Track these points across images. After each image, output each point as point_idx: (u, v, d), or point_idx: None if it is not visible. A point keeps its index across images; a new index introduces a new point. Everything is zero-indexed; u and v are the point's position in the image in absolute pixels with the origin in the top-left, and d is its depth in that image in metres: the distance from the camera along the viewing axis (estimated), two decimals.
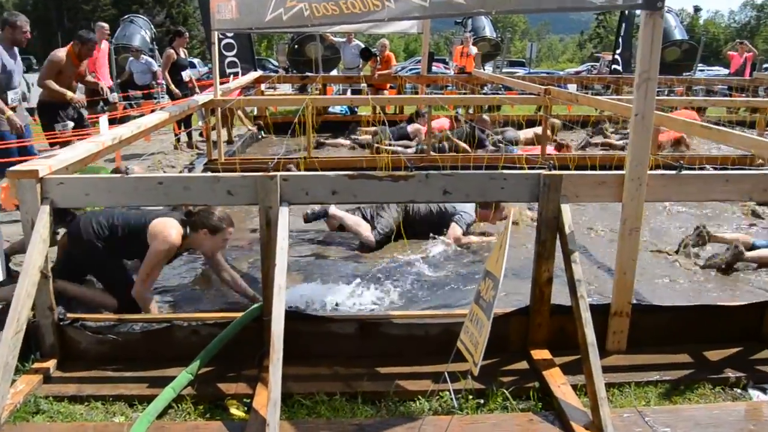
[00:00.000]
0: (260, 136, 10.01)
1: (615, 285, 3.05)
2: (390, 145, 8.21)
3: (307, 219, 4.96)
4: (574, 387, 2.69)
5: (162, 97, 9.95)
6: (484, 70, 15.41)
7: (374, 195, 3.01)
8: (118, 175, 2.89)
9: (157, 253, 3.42)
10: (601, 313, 3.01)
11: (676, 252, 4.61)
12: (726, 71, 19.18)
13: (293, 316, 2.93)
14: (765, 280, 4.14)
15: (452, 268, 4.33)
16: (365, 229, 4.80)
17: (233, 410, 2.60)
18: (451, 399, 2.62)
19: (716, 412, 2.57)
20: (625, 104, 5.30)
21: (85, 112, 6.84)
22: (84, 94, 7.36)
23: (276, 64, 24.69)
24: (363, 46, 12.60)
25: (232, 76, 10.15)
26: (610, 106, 5.95)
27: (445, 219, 4.95)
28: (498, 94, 10.47)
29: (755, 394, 2.79)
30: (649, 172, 2.91)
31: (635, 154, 2.87)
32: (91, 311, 3.32)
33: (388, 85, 11.57)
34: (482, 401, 2.67)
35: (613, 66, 14.23)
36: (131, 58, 11.03)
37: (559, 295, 3.06)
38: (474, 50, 13.66)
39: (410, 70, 21.35)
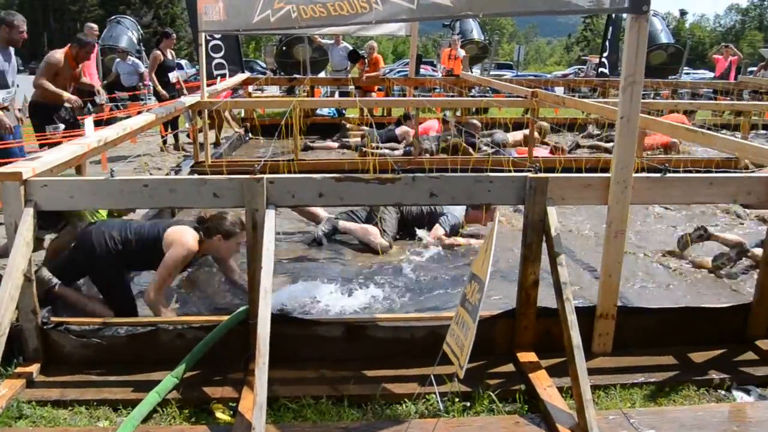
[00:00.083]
0: (247, 139, 9.98)
1: (600, 287, 3.06)
2: (377, 147, 8.20)
3: (320, 242, 4.84)
4: (560, 389, 2.70)
5: (149, 99, 9.87)
6: (471, 72, 15.46)
7: (361, 197, 3.02)
8: (103, 178, 2.85)
9: (175, 259, 3.39)
10: (586, 315, 3.03)
11: (679, 249, 4.65)
12: (711, 74, 19.35)
13: (279, 319, 2.93)
14: (748, 283, 4.17)
15: (439, 271, 4.33)
16: (375, 236, 4.76)
17: (219, 414, 2.59)
18: (437, 402, 2.61)
19: (701, 414, 2.59)
20: (611, 107, 5.32)
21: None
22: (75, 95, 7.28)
23: (264, 65, 24.61)
24: (351, 48, 12.59)
25: (219, 77, 10.10)
26: (597, 109, 5.98)
27: (434, 219, 4.99)
28: (485, 96, 10.49)
29: (739, 395, 2.82)
30: (634, 175, 2.93)
31: (621, 157, 2.89)
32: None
33: (376, 88, 11.56)
34: (468, 404, 2.68)
35: (600, 69, 14.27)
36: (118, 60, 10.92)
37: (546, 298, 3.08)
38: (462, 53, 13.69)
39: (398, 72, 21.35)
